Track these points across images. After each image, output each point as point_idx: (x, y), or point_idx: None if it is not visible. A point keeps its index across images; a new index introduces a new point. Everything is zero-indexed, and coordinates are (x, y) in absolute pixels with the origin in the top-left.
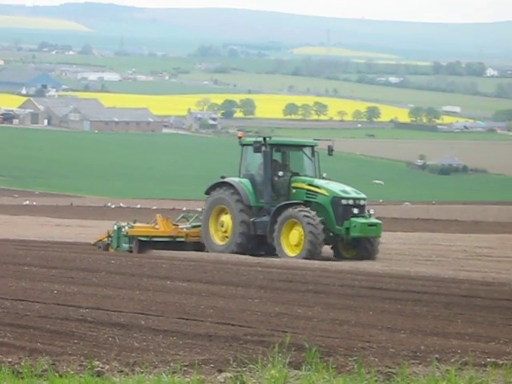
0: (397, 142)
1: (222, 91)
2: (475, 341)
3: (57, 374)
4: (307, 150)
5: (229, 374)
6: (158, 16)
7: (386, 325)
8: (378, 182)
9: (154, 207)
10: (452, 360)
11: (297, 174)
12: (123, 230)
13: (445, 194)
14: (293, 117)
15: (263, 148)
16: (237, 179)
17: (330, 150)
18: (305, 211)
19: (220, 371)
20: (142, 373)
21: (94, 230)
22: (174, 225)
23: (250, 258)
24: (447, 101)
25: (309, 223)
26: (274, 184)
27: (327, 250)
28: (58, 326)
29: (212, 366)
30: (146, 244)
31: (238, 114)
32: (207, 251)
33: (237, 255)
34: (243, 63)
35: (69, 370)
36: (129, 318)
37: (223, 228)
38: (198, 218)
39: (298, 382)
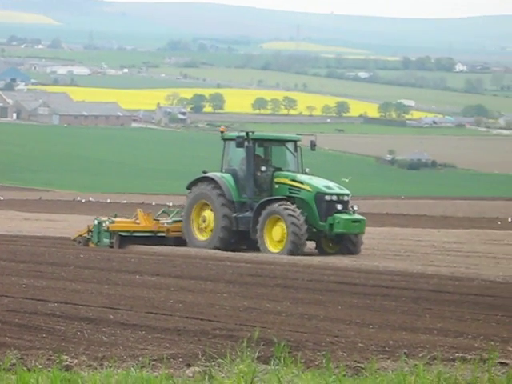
0: (366, 136)
1: (191, 85)
2: (443, 336)
3: (25, 368)
4: (290, 145)
5: (197, 369)
6: (127, 10)
7: (354, 319)
8: (345, 179)
9: (124, 201)
10: (420, 355)
11: (279, 170)
12: (104, 224)
13: (414, 189)
14: (262, 111)
15: (246, 143)
16: (219, 174)
17: (313, 145)
18: (288, 207)
19: (188, 365)
20: (110, 367)
21: (63, 224)
22: (154, 220)
23: (219, 252)
24: (416, 96)
25: (292, 220)
26: (257, 179)
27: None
28: (26, 320)
29: (180, 360)
30: (126, 239)
31: (208, 108)
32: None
33: (206, 250)
34: (213, 58)
35: (37, 364)
36: (97, 313)
37: (205, 223)
38: (179, 212)
39: (266, 377)
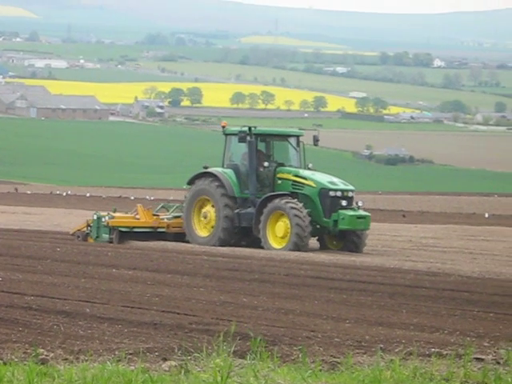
0: (344, 132)
1: (169, 79)
2: (420, 331)
3: (1, 362)
4: (292, 140)
5: (173, 363)
6: (105, 3)
7: (330, 314)
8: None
9: (103, 196)
10: (396, 350)
11: (282, 165)
12: (103, 220)
13: (391, 184)
14: (240, 106)
15: (248, 138)
16: (220, 169)
17: (316, 140)
18: (292, 203)
19: (165, 359)
20: (86, 361)
21: (40, 218)
22: (154, 215)
23: (196, 246)
24: (394, 91)
25: (296, 215)
26: (259, 175)
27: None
28: (2, 314)
29: (157, 354)
30: (126, 235)
31: (185, 102)
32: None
33: (182, 243)
34: (191, 52)
35: (13, 357)
36: (74, 306)
37: (206, 219)
38: (178, 208)
39: (242, 371)
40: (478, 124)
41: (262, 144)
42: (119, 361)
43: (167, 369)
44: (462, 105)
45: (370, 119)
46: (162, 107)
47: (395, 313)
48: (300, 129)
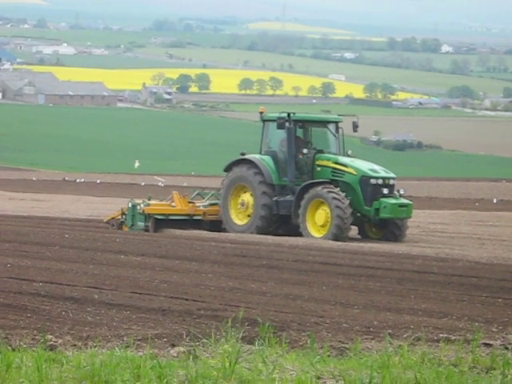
0: (351, 117)
1: (177, 66)
2: (428, 316)
3: (9, 348)
4: (332, 127)
5: (182, 349)
6: None
7: (339, 300)
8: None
9: (99, 182)
10: (405, 335)
11: (321, 152)
12: (138, 207)
13: (399, 169)
14: (248, 92)
15: (287, 124)
16: (258, 156)
17: (355, 127)
18: (334, 192)
19: (173, 345)
20: (94, 347)
21: (49, 204)
22: (190, 202)
23: (204, 232)
24: (402, 77)
25: (337, 206)
26: (298, 162)
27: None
28: (11, 300)
29: (165, 340)
30: (162, 222)
31: (193, 88)
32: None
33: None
34: (198, 38)
35: (22, 343)
36: (82, 292)
37: (244, 207)
38: (214, 195)
39: (251, 357)
40: (487, 109)
41: (300, 130)
42: (127, 347)
43: (175, 355)
44: (470, 90)
45: (378, 105)
46: (169, 93)
47: (403, 298)
48: (339, 115)
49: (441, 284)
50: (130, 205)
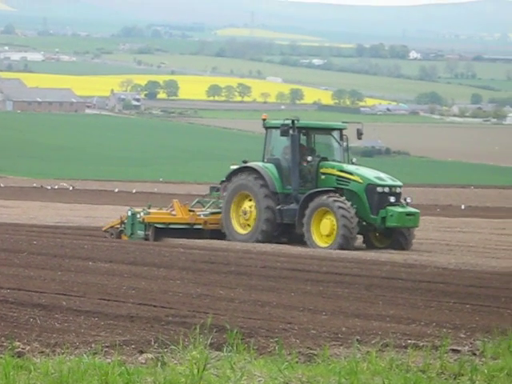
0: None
1: (145, 72)
2: (396, 322)
3: None
4: (336, 134)
5: (150, 355)
6: None
7: (307, 306)
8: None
9: (70, 188)
10: (373, 342)
11: (325, 159)
12: (138, 216)
13: None
14: (216, 98)
15: (291, 131)
16: (261, 164)
17: (360, 134)
18: (339, 201)
19: (141, 352)
20: (62, 354)
21: (17, 211)
22: (190, 211)
23: (171, 239)
24: (370, 83)
25: (343, 216)
26: (302, 170)
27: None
28: None
29: (133, 346)
30: (162, 231)
31: (162, 95)
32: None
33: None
34: (167, 44)
35: None
36: (50, 299)
37: (246, 216)
38: (215, 203)
39: (219, 364)
40: (455, 116)
41: (304, 138)
42: (96, 353)
43: (144, 361)
44: (438, 96)
45: (346, 111)
46: (138, 100)
47: (372, 304)
48: (343, 122)
49: (409, 290)
50: (129, 213)
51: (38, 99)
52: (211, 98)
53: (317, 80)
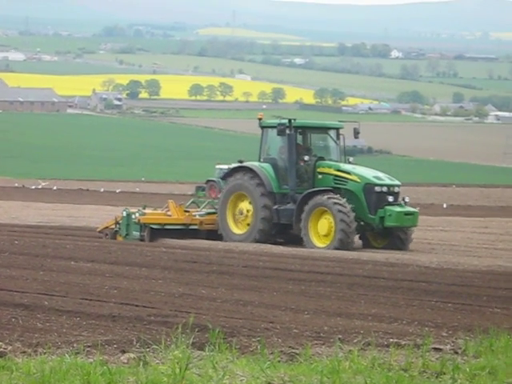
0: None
1: (127, 72)
2: (378, 321)
3: None
4: (332, 133)
5: (132, 355)
6: None
7: (289, 305)
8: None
9: (55, 187)
10: (355, 340)
11: (322, 159)
12: (133, 216)
13: None
14: (198, 98)
15: (287, 131)
16: (257, 164)
17: (356, 133)
18: (334, 198)
19: (123, 352)
20: (44, 353)
21: None
22: (185, 211)
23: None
24: (352, 82)
25: (339, 211)
26: (299, 169)
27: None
28: None
29: (115, 346)
30: (157, 232)
31: (143, 94)
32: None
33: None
34: (148, 44)
35: None
36: (32, 299)
37: (242, 216)
38: (210, 203)
39: (201, 363)
40: (436, 115)
41: (301, 137)
42: (78, 353)
43: (126, 361)
44: (419, 95)
45: (328, 110)
46: (119, 99)
47: (354, 303)
48: (339, 121)
49: (391, 289)
50: (124, 214)
51: (20, 99)
52: (193, 98)
53: (298, 79)
